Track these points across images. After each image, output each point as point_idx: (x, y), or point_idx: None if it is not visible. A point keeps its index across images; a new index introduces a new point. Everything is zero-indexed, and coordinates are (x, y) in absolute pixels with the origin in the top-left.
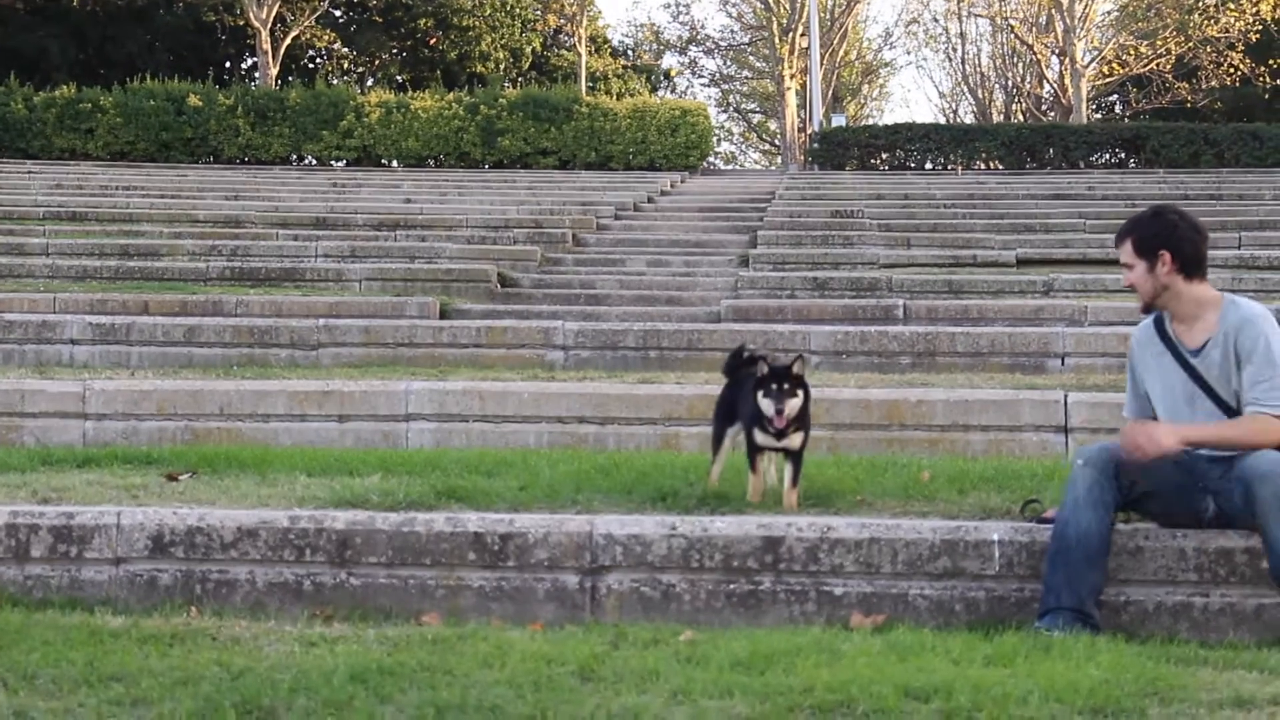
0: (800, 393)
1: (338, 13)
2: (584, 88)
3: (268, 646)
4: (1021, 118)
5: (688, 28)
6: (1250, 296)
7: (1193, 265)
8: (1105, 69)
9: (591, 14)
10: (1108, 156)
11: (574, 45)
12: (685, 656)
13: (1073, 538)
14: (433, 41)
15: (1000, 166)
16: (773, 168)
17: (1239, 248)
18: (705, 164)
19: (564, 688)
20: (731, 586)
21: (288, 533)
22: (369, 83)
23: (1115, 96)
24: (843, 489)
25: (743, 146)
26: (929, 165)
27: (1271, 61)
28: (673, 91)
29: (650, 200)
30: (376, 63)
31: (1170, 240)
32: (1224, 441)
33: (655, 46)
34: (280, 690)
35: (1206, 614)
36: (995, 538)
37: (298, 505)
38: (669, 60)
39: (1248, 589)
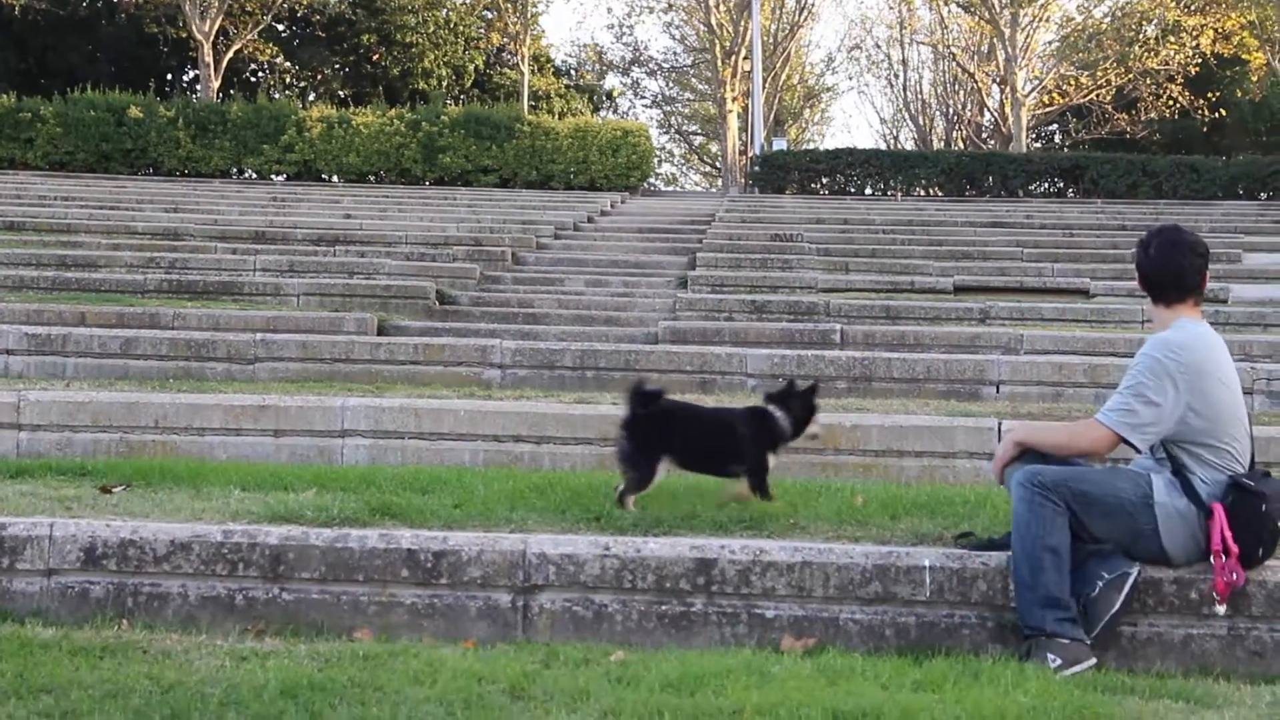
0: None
1: (281, 27)
2: (526, 107)
3: (198, 660)
4: (962, 145)
5: (631, 49)
6: (1213, 333)
7: (1158, 291)
8: (1045, 99)
9: (535, 33)
10: (1046, 186)
11: (517, 64)
12: (616, 676)
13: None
14: (376, 57)
15: (940, 193)
16: (713, 190)
17: None
18: (646, 185)
19: (494, 706)
20: (664, 607)
21: (221, 547)
22: (311, 97)
23: (1055, 126)
24: (776, 512)
25: (684, 168)
26: (869, 191)
27: (1210, 95)
28: (615, 112)
29: (590, 220)
30: (319, 77)
31: (1138, 263)
32: (1048, 444)
33: (598, 67)
34: (210, 704)
35: (1134, 643)
36: (927, 563)
37: (231, 520)
38: (612, 81)
39: (1175, 619)
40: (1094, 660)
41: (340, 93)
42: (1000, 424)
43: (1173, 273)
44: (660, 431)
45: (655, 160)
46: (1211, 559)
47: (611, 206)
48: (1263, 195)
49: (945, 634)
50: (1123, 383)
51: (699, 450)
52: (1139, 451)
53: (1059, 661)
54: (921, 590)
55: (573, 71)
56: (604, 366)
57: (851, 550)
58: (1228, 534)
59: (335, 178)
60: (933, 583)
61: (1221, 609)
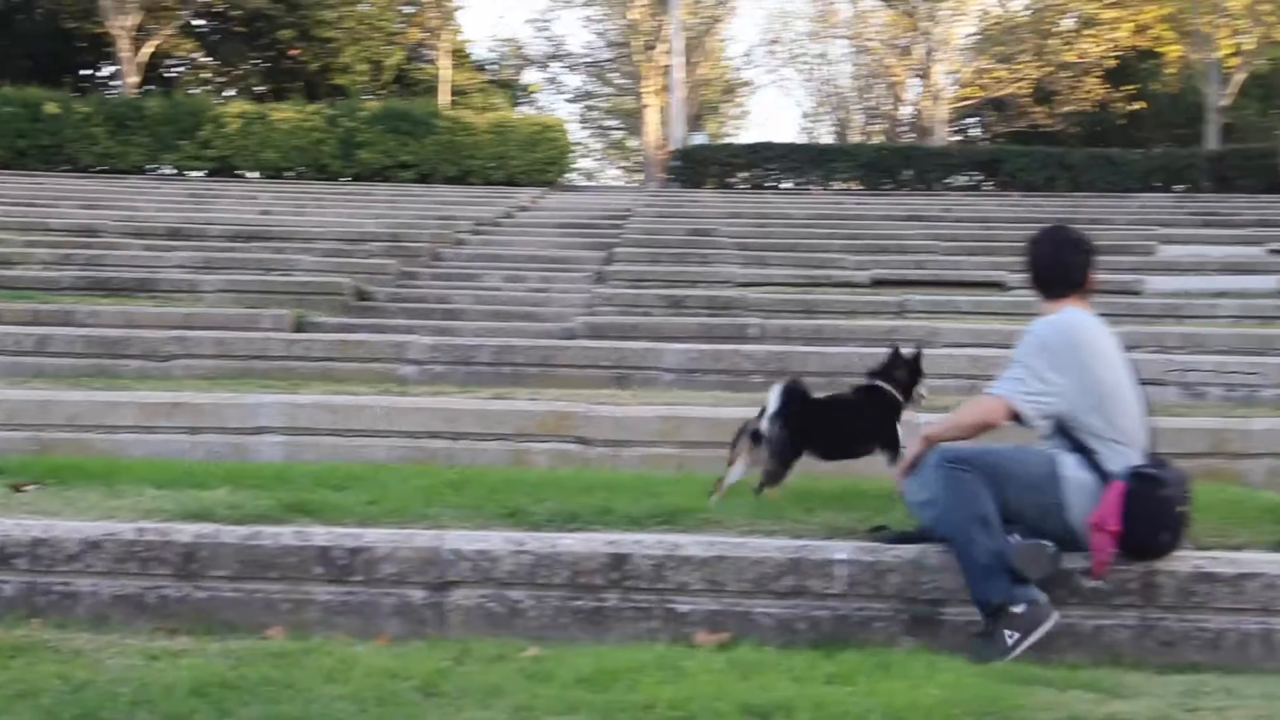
0: None
1: (199, 23)
2: (448, 101)
3: (110, 659)
4: (881, 138)
5: (551, 43)
6: (1100, 321)
7: (1045, 286)
8: (964, 92)
9: (454, 28)
10: (965, 179)
11: (436, 59)
12: (529, 673)
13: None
14: (294, 53)
15: (859, 186)
16: (633, 185)
17: None
18: (564, 180)
19: (407, 703)
20: (578, 603)
21: (133, 545)
22: (230, 93)
23: (974, 119)
24: (691, 507)
25: (603, 163)
26: (788, 185)
27: (1128, 87)
28: (535, 107)
29: (509, 215)
30: (238, 73)
31: (1027, 260)
32: (949, 427)
33: (518, 62)
34: (121, 703)
35: (1046, 634)
36: (840, 557)
37: (144, 517)
38: (531, 75)
39: (1087, 610)
40: (1055, 616)
41: (259, 88)
42: (917, 417)
43: (1060, 269)
44: (809, 424)
45: (574, 155)
46: (1091, 530)
47: (531, 202)
48: (1179, 187)
49: (858, 627)
50: (1010, 360)
51: (837, 438)
52: (1028, 425)
53: (1015, 636)
54: (835, 584)
55: (493, 66)
56: (521, 362)
57: (765, 544)
58: (1114, 510)
59: (253, 174)
60: (846, 576)
61: (1094, 584)
